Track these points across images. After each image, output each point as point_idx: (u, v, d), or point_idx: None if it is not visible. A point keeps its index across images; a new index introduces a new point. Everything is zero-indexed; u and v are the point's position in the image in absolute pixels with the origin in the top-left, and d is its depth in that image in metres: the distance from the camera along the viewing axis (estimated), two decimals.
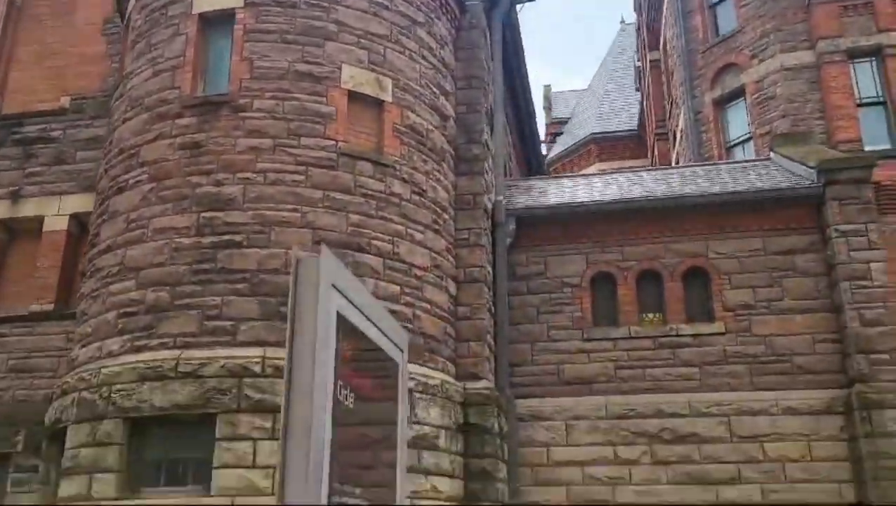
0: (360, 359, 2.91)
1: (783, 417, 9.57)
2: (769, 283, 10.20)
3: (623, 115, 26.44)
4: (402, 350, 3.36)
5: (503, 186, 11.26)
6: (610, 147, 26.00)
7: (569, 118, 28.40)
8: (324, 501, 2.33)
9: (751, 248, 10.38)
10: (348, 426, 2.66)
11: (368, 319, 2.93)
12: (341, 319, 2.59)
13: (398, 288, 8.68)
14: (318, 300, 2.37)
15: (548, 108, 29.72)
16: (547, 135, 28.73)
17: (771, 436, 9.52)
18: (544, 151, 28.89)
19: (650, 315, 10.62)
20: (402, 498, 3.18)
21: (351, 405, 2.67)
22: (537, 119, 17.56)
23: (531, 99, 15.60)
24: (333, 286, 2.50)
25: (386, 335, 3.18)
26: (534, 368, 10.50)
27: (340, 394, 2.57)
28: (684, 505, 9.36)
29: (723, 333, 10.13)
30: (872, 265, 9.67)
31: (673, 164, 19.32)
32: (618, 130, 25.91)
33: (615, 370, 10.27)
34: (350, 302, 2.69)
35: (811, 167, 10.41)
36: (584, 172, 22.71)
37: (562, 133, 28.15)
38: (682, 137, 18.07)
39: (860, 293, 9.59)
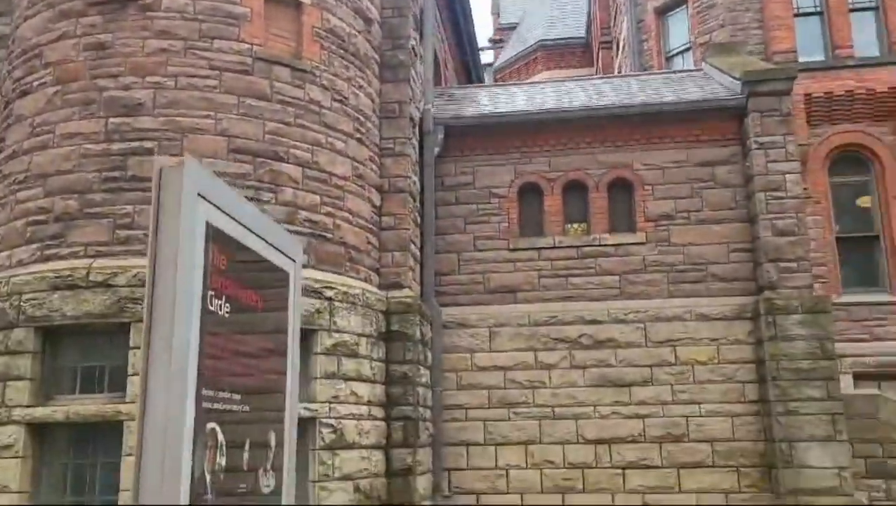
0: (240, 270, 2.89)
1: (695, 322, 9.97)
2: (690, 194, 10.41)
3: (572, 22, 25.94)
4: (293, 260, 3.37)
5: (432, 94, 11.08)
6: (558, 55, 25.63)
7: (517, 24, 27.77)
8: (189, 406, 2.37)
9: (675, 159, 10.52)
10: (224, 335, 2.67)
11: (249, 230, 2.91)
12: (214, 230, 2.56)
13: (318, 198, 8.60)
14: (181, 210, 2.33)
15: (496, 13, 28.96)
16: (494, 41, 28.12)
17: (683, 340, 9.94)
18: (492, 59, 28.34)
19: (575, 225, 10.79)
20: (294, 402, 3.26)
21: (226, 315, 2.67)
22: (483, 25, 17.14)
23: (468, 3, 15.16)
24: (201, 196, 2.45)
25: (274, 246, 3.17)
26: (460, 277, 10.66)
27: (212, 304, 2.57)
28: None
29: (643, 243, 10.38)
30: (788, 176, 9.92)
31: (616, 73, 19.21)
32: (566, 37, 25.47)
33: (539, 279, 10.50)
34: (224, 212, 2.65)
35: (737, 79, 10.46)
36: (531, 80, 22.42)
37: (509, 39, 27.58)
38: (624, 45, 17.89)
39: (774, 204, 9.87)
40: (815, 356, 9.33)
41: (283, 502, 3.00)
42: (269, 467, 2.89)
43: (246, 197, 6.44)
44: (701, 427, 9.62)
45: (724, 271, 10.13)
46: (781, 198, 9.86)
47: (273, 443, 2.97)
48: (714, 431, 9.59)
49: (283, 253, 3.21)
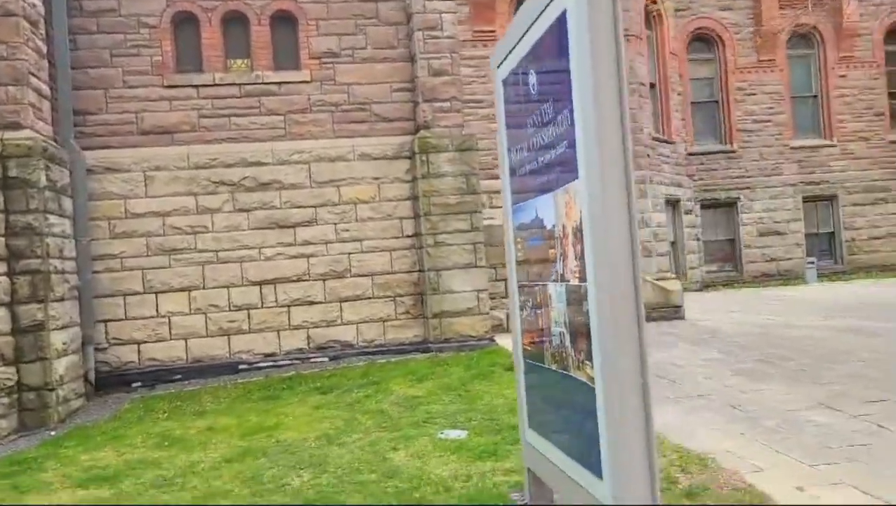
0: None
1: (359, 162, 10.13)
2: (354, 30, 10.19)
3: None
4: None
5: None
6: None
7: None
8: None
9: None
10: None
11: None
12: None
13: None
14: None
15: None
16: None
17: (347, 180, 10.10)
18: None
19: (237, 61, 10.16)
20: None
21: None
22: None
23: None
24: None
25: None
26: (108, 116, 9.69)
27: None
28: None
29: (308, 82, 10.11)
30: (444, 16, 10.06)
31: None
32: None
33: (199, 119, 9.88)
34: None
35: None
36: None
37: None
38: None
39: (431, 43, 10.03)
40: (462, 191, 10.02)
41: None
42: None
43: None
44: (362, 263, 10.06)
45: (387, 111, 10.27)
46: (438, 37, 10.03)
47: None
48: (374, 265, 10.09)
49: None
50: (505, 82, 3.65)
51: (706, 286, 18.35)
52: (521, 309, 3.63)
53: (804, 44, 20.16)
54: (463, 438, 5.80)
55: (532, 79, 3.15)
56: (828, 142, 20.05)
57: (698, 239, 19.06)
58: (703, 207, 19.60)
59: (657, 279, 11.53)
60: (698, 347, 8.91)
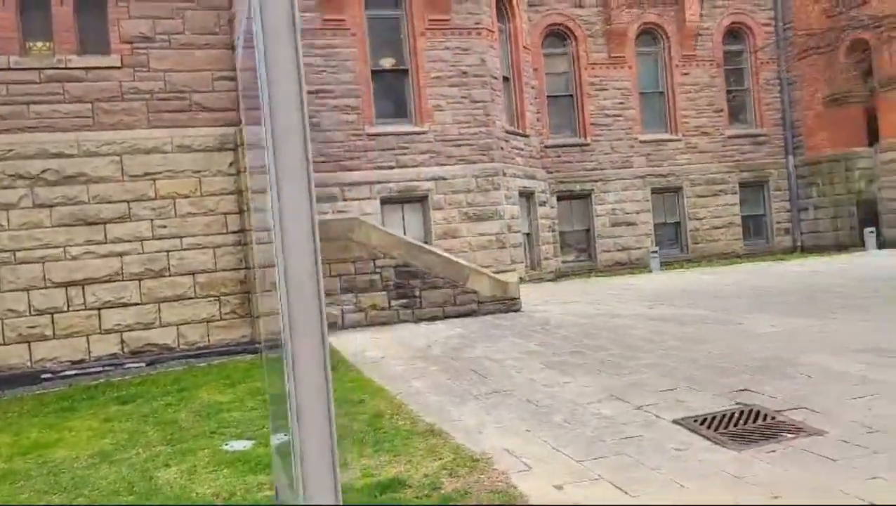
0: None
1: (177, 154, 9.56)
2: (170, 14, 9.58)
3: None
4: None
5: None
6: None
7: None
8: None
9: None
10: None
11: None
12: None
13: None
14: None
15: None
16: None
17: (164, 173, 9.50)
18: None
19: (37, 44, 9.32)
20: None
21: None
22: None
23: None
24: None
25: None
26: None
27: None
28: None
29: (119, 67, 9.42)
30: None
31: None
32: None
33: None
34: None
35: None
36: None
37: None
38: None
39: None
40: None
41: None
42: None
43: None
44: (183, 261, 9.51)
45: (209, 100, 9.74)
46: None
47: None
48: (196, 263, 9.57)
49: None
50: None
51: (561, 276, 18.81)
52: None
53: (651, 41, 21.01)
54: (247, 449, 5.50)
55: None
56: (673, 136, 21.01)
57: (554, 230, 19.50)
58: (559, 198, 20.08)
59: (496, 271, 11.62)
60: (523, 339, 9.00)
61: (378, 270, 10.59)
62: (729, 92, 21.46)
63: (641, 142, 20.71)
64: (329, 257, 10.48)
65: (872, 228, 18.63)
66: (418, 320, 10.69)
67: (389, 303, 10.62)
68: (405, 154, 16.07)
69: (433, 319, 10.75)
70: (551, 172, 19.83)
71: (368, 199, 15.78)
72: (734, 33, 21.60)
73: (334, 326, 10.47)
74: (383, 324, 10.57)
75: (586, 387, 6.55)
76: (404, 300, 10.70)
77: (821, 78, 20.40)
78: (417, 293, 10.74)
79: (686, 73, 20.94)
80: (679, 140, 21.03)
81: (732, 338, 8.23)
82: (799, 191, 21.53)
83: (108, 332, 9.18)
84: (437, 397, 6.61)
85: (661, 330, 9.01)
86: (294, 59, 2.19)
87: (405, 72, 16.28)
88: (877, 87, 19.06)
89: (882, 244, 18.65)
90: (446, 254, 11.43)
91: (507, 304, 11.13)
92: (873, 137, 19.78)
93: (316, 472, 2.23)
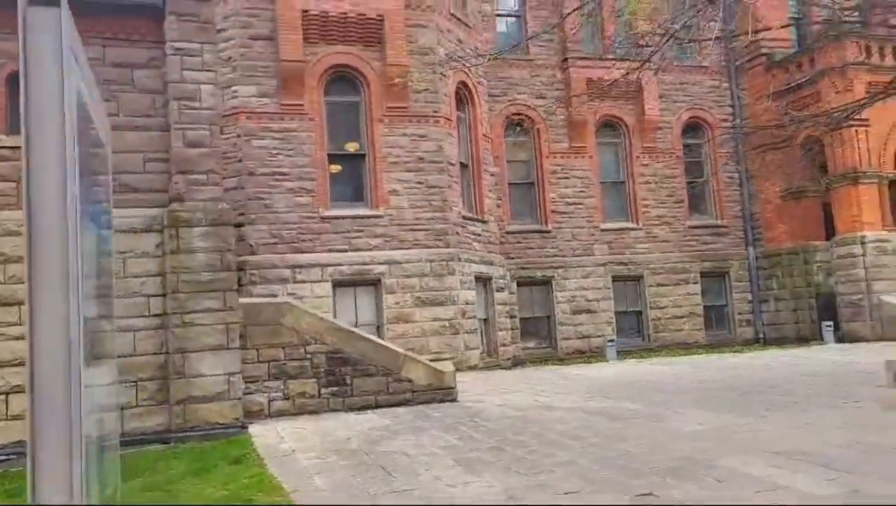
0: None
1: None
2: (106, 96, 9.61)
3: None
4: None
5: None
6: None
7: None
8: None
9: (89, 57, 9.58)
10: None
11: None
12: None
13: None
14: None
15: None
16: None
17: None
18: None
19: None
20: None
21: None
22: None
23: None
24: None
25: None
26: None
27: None
28: None
29: None
30: (203, 87, 9.72)
31: None
32: None
33: None
34: None
35: None
36: None
37: None
38: None
39: (188, 114, 9.62)
40: (215, 268, 9.49)
41: None
42: None
43: None
44: None
45: (139, 182, 9.67)
46: (196, 108, 9.64)
47: None
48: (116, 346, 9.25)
49: None
50: None
51: (519, 363, 18.51)
52: None
53: (612, 132, 21.46)
54: None
55: None
56: (634, 225, 21.19)
57: (513, 316, 19.34)
58: (520, 284, 20.00)
59: (449, 357, 11.36)
60: (447, 432, 8.68)
61: (309, 356, 10.33)
62: (689, 183, 21.83)
63: (603, 230, 20.85)
64: (258, 343, 10.22)
65: (830, 322, 18.60)
66: (349, 409, 10.35)
67: (319, 391, 10.30)
68: (359, 237, 16.05)
69: (364, 408, 10.42)
70: (512, 258, 19.84)
71: (320, 281, 15.65)
72: (693, 127, 22.16)
73: (259, 415, 10.11)
74: (312, 412, 10.22)
75: (490, 488, 6.24)
76: (335, 388, 10.39)
77: (778, 172, 20.82)
78: (349, 381, 10.44)
79: (646, 165, 21.33)
80: (640, 229, 21.20)
81: (657, 436, 7.96)
82: (760, 282, 21.60)
83: (14, 418, 8.79)
84: (331, 497, 6.27)
85: (590, 425, 8.73)
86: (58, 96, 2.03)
87: (362, 156, 16.46)
88: (830, 183, 19.44)
89: (840, 338, 18.59)
90: (381, 340, 11.20)
91: (443, 393, 10.83)
92: (831, 230, 20.03)
93: None
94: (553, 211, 20.55)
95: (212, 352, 9.35)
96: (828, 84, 18.68)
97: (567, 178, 20.76)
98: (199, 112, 9.62)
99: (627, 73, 11.29)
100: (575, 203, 20.74)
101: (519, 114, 20.23)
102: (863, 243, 18.54)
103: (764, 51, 21.09)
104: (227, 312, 9.48)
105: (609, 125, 21.34)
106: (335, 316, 15.68)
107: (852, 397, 9.59)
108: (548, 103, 20.38)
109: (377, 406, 10.44)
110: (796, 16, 19.96)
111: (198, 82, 9.62)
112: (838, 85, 18.10)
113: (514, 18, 21.08)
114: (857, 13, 19.49)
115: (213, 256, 9.47)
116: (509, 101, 20.35)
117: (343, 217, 16.04)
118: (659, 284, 20.99)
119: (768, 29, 18.65)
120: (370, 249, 16.01)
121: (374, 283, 16.02)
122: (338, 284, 15.78)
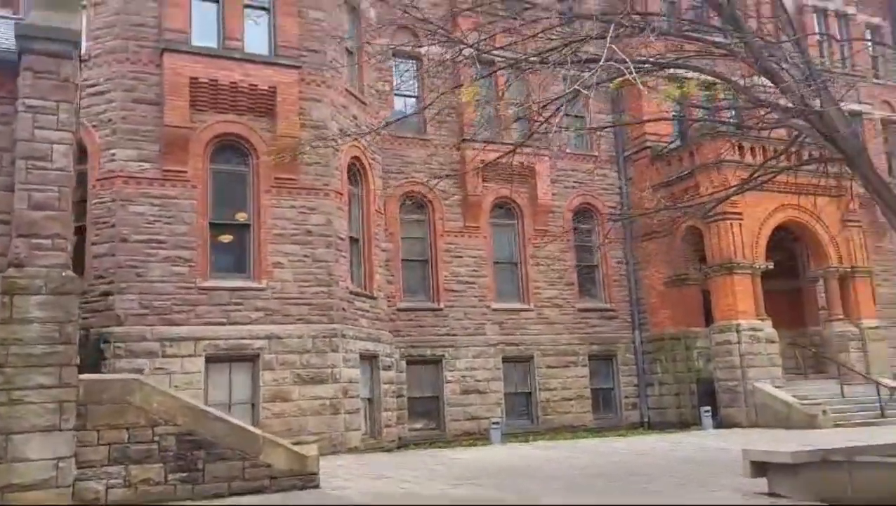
0: None
1: None
2: None
3: None
4: None
5: None
6: None
7: None
8: None
9: None
10: None
11: None
12: None
13: None
14: None
15: None
16: None
17: None
18: None
19: None
20: None
21: None
22: None
23: None
24: None
25: None
26: None
27: None
28: None
29: None
30: (56, 147, 9.18)
31: None
32: None
33: None
34: None
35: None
36: None
37: None
38: None
39: (36, 174, 9.04)
40: (53, 341, 8.75)
41: None
42: None
43: None
44: None
45: None
46: (46, 168, 9.08)
47: None
48: None
49: None
50: None
51: (404, 445, 17.94)
52: None
53: (506, 214, 21.83)
54: None
55: None
56: (526, 306, 21.35)
57: (401, 396, 18.87)
58: (409, 362, 19.62)
59: (294, 442, 10.77)
60: None
61: (157, 438, 9.57)
62: (579, 267, 22.31)
63: (494, 310, 20.89)
64: (99, 423, 9.38)
65: (708, 408, 19.02)
66: (199, 498, 9.58)
67: (166, 477, 9.51)
68: (238, 310, 15.40)
69: (217, 495, 9.67)
70: (403, 336, 19.52)
71: (192, 356, 14.81)
72: (584, 212, 22.85)
73: (94, 504, 9.20)
74: (156, 501, 9.39)
75: None
76: (185, 474, 9.62)
77: (661, 259, 21.61)
78: (201, 466, 9.70)
79: (538, 247, 21.70)
80: (532, 310, 21.37)
81: None
82: (645, 366, 22.04)
83: None
84: None
85: None
86: None
87: (247, 227, 16.00)
88: (708, 272, 20.27)
89: (719, 423, 19.01)
90: (239, 422, 10.54)
91: (304, 479, 10.22)
92: (710, 317, 20.74)
93: None
94: (446, 289, 20.48)
95: (41, 433, 8.50)
96: (705, 178, 19.73)
97: (461, 256, 20.84)
98: (49, 173, 9.05)
99: (503, 156, 11.49)
100: (468, 282, 20.77)
101: (415, 192, 20.31)
102: (738, 331, 19.24)
103: (649, 144, 22.19)
104: (63, 390, 8.69)
105: (503, 207, 21.71)
106: (207, 394, 14.84)
107: (716, 487, 9.61)
108: (444, 183, 20.57)
109: (230, 494, 9.72)
110: (677, 113, 21.15)
111: (50, 141, 9.08)
112: (714, 179, 19.12)
113: (412, 99, 21.45)
114: (732, 114, 20.89)
115: (51, 328, 8.73)
116: (406, 178, 20.45)
117: (223, 289, 15.39)
118: (548, 366, 21.05)
119: (649, 121, 19.71)
120: (249, 323, 15.36)
121: (252, 359, 15.32)
122: (212, 360, 14.99)
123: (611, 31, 6.96)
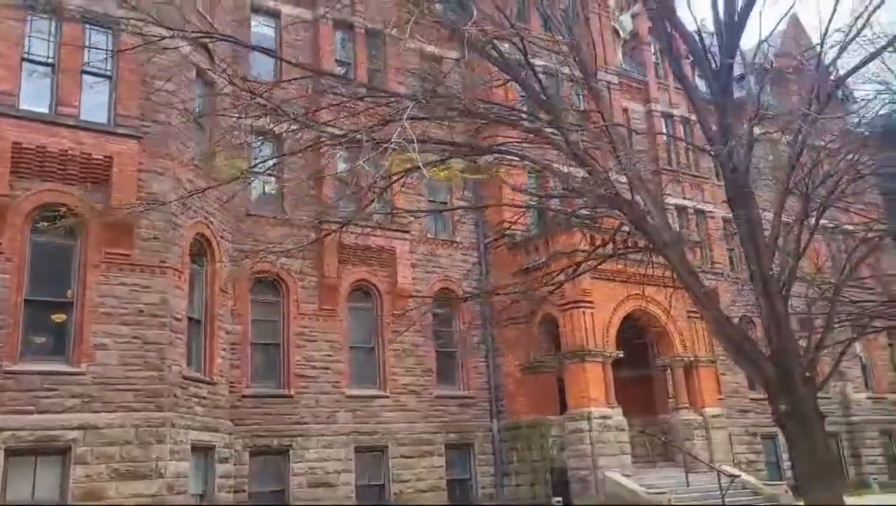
0: None
1: None
2: None
3: None
4: None
5: None
6: None
7: None
8: None
9: None
10: None
11: None
12: None
13: None
14: None
15: None
16: None
17: None
18: None
19: None
20: None
21: None
22: None
23: None
24: None
25: None
26: None
27: None
28: None
29: None
30: None
31: None
32: None
33: None
34: None
35: None
36: None
37: None
38: None
39: None
40: None
41: None
42: None
43: None
44: None
45: None
46: None
47: None
48: None
49: None
50: None
51: None
52: None
53: (364, 297, 21.37)
54: None
55: None
56: (382, 392, 20.68)
57: (239, 491, 17.50)
58: (253, 454, 18.34)
59: None
60: None
61: None
62: (438, 353, 21.98)
63: (348, 396, 20.09)
64: None
65: (559, 498, 18.79)
66: None
67: None
68: (50, 397, 13.91)
69: None
70: (247, 425, 18.30)
71: None
72: (444, 298, 22.71)
73: None
74: None
75: None
76: None
77: (519, 346, 21.66)
78: None
79: (397, 331, 21.22)
80: (387, 397, 20.72)
81: None
82: (503, 456, 21.68)
83: None
84: None
85: None
86: None
87: (70, 305, 14.70)
88: (562, 359, 20.46)
89: None
90: None
91: None
92: (565, 405, 20.79)
93: None
94: (297, 375, 19.54)
95: None
96: (559, 266, 20.12)
97: (315, 340, 20.05)
98: None
99: (359, 237, 11.11)
100: (322, 367, 19.93)
101: (268, 272, 19.52)
102: (589, 419, 19.34)
103: (507, 232, 22.59)
104: None
105: (361, 289, 21.27)
106: (5, 493, 13.13)
107: None
108: (300, 264, 19.97)
109: None
110: (531, 203, 21.68)
111: None
112: (567, 267, 19.52)
113: (272, 177, 20.95)
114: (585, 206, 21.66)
115: None
116: (259, 259, 19.63)
117: (33, 372, 13.91)
118: (403, 456, 20.28)
119: (505, 205, 20.07)
120: (62, 412, 13.88)
121: (63, 451, 13.79)
122: (13, 453, 13.35)
123: (408, 112, 6.88)
